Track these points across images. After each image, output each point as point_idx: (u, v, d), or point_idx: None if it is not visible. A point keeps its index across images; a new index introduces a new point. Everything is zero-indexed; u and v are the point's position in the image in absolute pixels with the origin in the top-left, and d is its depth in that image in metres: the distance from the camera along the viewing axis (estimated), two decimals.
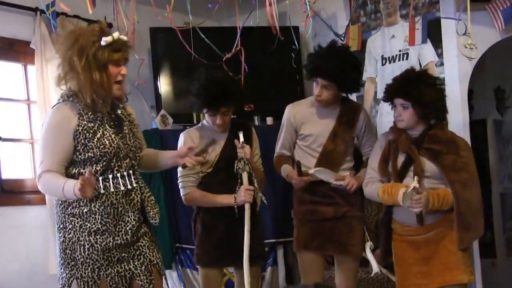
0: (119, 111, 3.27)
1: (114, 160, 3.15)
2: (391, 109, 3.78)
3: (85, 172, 3.02)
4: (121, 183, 3.17)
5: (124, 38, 3.18)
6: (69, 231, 3.11)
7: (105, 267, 3.13)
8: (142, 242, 3.25)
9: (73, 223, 3.11)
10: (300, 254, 4.02)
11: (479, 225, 3.60)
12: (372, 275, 4.08)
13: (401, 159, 3.69)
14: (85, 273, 3.10)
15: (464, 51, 4.33)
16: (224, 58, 4.43)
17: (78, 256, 3.10)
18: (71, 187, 2.98)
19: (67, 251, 3.12)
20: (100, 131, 3.12)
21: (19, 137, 4.99)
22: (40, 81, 4.80)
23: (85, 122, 3.11)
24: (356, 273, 4.04)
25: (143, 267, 3.22)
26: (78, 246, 3.10)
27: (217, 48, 4.47)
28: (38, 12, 4.84)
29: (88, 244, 3.10)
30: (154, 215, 3.27)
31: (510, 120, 6.51)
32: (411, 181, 3.54)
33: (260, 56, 4.91)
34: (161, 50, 5.48)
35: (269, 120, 5.33)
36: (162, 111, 5.22)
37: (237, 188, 3.77)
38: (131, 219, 3.19)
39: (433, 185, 3.61)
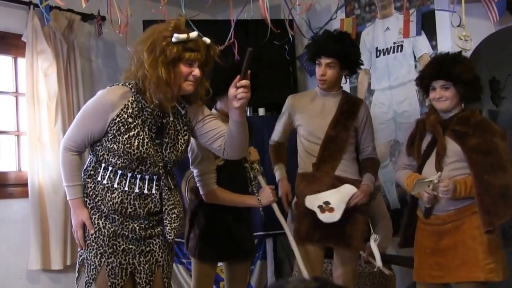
0: (171, 118, 3.11)
1: (136, 163, 3.03)
2: (423, 98, 3.84)
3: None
4: (137, 185, 3.07)
5: (207, 40, 3.06)
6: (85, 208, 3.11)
7: (108, 255, 3.05)
8: (155, 240, 3.15)
9: (87, 203, 3.09)
10: (299, 246, 3.91)
11: (502, 210, 3.46)
12: (375, 269, 4.08)
13: (427, 139, 3.71)
14: (89, 256, 3.06)
15: (459, 42, 4.30)
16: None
17: (86, 237, 3.08)
18: (72, 196, 3.09)
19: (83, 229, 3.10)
20: (136, 130, 3.00)
21: (5, 129, 5.00)
22: (30, 73, 4.82)
23: (126, 115, 2.99)
24: (356, 266, 4.03)
25: (147, 265, 3.13)
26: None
27: (211, 41, 4.46)
28: (32, 6, 4.84)
29: (96, 228, 3.05)
30: (170, 230, 3.12)
31: (506, 111, 6.50)
32: (433, 172, 3.58)
33: (253, 48, 4.89)
34: None
35: (261, 111, 5.35)
36: None
37: (254, 190, 3.78)
38: (141, 219, 3.10)
39: (457, 168, 3.57)
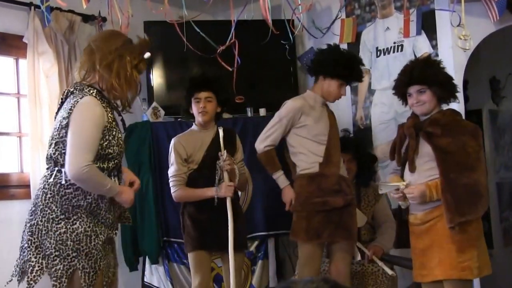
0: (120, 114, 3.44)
1: (120, 159, 3.28)
2: (402, 104, 3.93)
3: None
4: (118, 180, 3.29)
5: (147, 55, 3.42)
6: (74, 222, 3.09)
7: (102, 258, 3.16)
8: (116, 235, 3.41)
9: (78, 214, 3.10)
10: (307, 245, 4.14)
11: (466, 208, 3.56)
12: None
13: (406, 143, 3.84)
14: (87, 264, 3.09)
15: (459, 42, 4.32)
16: (218, 51, 4.44)
17: (83, 247, 3.09)
18: (116, 190, 3.19)
19: (68, 242, 3.07)
20: (116, 129, 3.24)
21: (7, 131, 4.99)
22: (32, 74, 4.81)
23: (109, 119, 3.19)
24: (352, 255, 4.27)
25: (114, 259, 3.41)
26: (84, 237, 3.09)
27: (212, 41, 4.47)
28: (32, 7, 4.84)
29: (94, 235, 3.12)
30: (128, 215, 3.50)
31: (506, 110, 6.53)
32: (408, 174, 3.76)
33: (254, 48, 4.91)
34: (154, 43, 5.45)
35: (262, 112, 5.35)
36: (154, 104, 5.22)
37: (216, 182, 4.15)
38: (115, 216, 3.33)
39: (430, 168, 3.67)
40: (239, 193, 4.61)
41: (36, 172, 4.75)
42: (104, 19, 5.24)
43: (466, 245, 3.59)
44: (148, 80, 5.41)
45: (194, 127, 4.34)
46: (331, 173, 4.15)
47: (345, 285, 1.69)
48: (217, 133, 4.23)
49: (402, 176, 3.82)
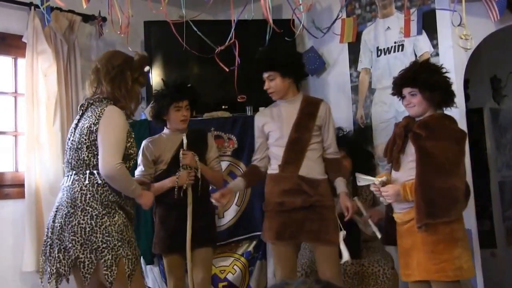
0: None
1: (136, 159, 3.77)
2: (402, 103, 3.91)
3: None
4: None
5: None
6: (113, 215, 3.45)
7: (136, 245, 3.54)
8: None
9: (115, 208, 3.47)
10: (273, 245, 4.24)
11: (438, 212, 3.55)
12: (342, 262, 4.14)
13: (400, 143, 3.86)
14: (130, 251, 3.44)
15: (460, 41, 4.32)
16: (217, 51, 4.44)
17: (124, 236, 3.44)
18: (138, 191, 3.58)
19: (114, 234, 3.40)
20: (132, 133, 3.59)
21: (3, 130, 5.01)
22: (30, 74, 4.83)
23: (129, 124, 3.58)
24: (336, 260, 4.13)
25: None
26: (124, 227, 3.46)
27: (212, 41, 4.47)
28: (32, 7, 4.85)
29: (129, 225, 3.53)
30: None
31: (507, 109, 6.52)
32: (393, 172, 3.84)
33: (254, 48, 4.90)
34: (154, 43, 5.48)
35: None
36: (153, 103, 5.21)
37: (177, 174, 4.23)
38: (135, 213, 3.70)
39: (413, 168, 3.68)
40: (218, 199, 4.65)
41: (31, 171, 4.78)
42: (104, 19, 5.25)
43: (441, 246, 3.60)
44: (148, 79, 5.40)
45: (166, 130, 4.45)
46: (288, 175, 4.13)
47: (338, 286, 1.68)
48: (186, 136, 4.35)
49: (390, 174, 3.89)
